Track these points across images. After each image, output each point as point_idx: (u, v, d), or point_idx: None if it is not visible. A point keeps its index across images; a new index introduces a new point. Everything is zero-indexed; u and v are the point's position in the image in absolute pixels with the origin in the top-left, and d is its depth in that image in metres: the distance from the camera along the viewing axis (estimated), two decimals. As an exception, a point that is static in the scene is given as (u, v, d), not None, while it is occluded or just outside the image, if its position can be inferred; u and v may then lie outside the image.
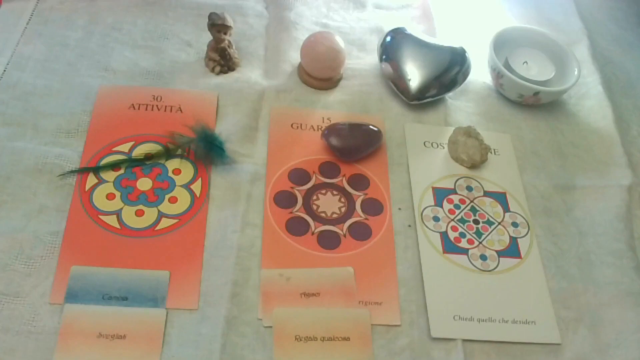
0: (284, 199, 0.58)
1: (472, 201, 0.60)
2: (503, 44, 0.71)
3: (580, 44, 0.79)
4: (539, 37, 0.73)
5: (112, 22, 0.70)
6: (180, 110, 0.63)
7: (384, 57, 0.68)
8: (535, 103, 0.69)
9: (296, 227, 0.56)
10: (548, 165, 0.66)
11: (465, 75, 0.68)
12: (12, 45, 0.65)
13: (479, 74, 0.72)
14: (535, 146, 0.67)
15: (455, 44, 0.69)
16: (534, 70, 0.70)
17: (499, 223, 0.59)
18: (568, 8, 0.85)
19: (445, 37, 0.74)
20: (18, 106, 0.60)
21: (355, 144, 0.61)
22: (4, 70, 0.63)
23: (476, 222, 0.59)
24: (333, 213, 0.58)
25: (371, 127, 0.63)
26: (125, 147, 0.59)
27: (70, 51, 0.66)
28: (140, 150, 0.59)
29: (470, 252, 0.57)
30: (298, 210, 0.57)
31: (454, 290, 0.54)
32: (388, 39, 0.69)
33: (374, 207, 0.59)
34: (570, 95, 0.73)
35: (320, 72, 0.67)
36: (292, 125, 0.64)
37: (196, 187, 0.57)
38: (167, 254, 0.53)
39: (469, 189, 0.61)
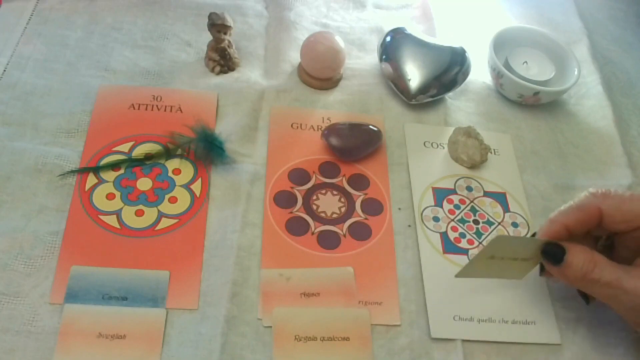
0: (284, 199, 0.58)
1: (472, 201, 0.60)
2: (503, 44, 0.71)
3: (580, 44, 0.79)
4: (539, 37, 0.73)
5: (112, 22, 0.70)
6: (180, 110, 0.63)
7: (383, 57, 0.68)
8: (535, 103, 0.69)
9: (296, 227, 0.56)
10: (548, 165, 0.66)
11: (465, 75, 0.68)
12: (12, 45, 0.65)
13: (479, 74, 0.72)
14: (535, 146, 0.67)
15: (455, 44, 0.69)
16: (534, 70, 0.70)
17: (499, 223, 0.59)
18: (568, 8, 0.85)
19: (445, 37, 0.74)
20: (18, 106, 0.60)
21: (355, 144, 0.61)
22: (4, 70, 0.63)
23: (476, 222, 0.59)
24: (333, 213, 0.58)
25: (371, 127, 0.63)
26: (125, 147, 0.59)
27: (70, 51, 0.66)
28: (140, 150, 0.59)
29: (470, 252, 0.57)
30: (298, 210, 0.57)
31: (454, 291, 0.54)
32: (388, 39, 0.69)
33: (374, 207, 0.59)
34: (570, 95, 0.73)
35: (320, 72, 0.67)
36: (292, 125, 0.64)
37: (196, 187, 0.57)
38: (167, 254, 0.53)
39: (469, 189, 0.61)
